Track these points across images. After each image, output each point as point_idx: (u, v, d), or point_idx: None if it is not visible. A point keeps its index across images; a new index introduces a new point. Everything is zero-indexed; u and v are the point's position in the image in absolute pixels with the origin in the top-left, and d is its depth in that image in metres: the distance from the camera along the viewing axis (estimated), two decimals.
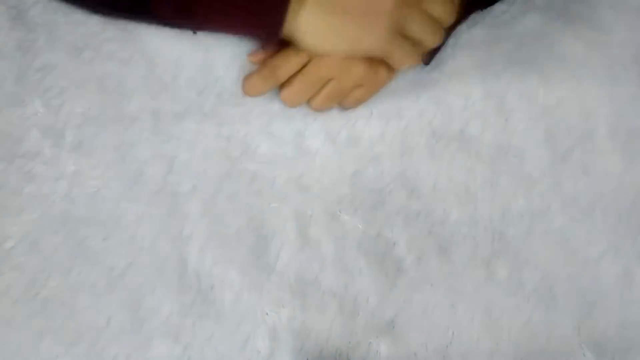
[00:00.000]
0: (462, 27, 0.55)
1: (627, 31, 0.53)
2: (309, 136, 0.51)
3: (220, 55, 0.52)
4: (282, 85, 0.49)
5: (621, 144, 0.51)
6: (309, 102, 0.50)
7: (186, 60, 0.52)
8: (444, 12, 0.48)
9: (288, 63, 0.48)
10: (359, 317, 0.48)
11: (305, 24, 0.45)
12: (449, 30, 0.52)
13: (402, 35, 0.47)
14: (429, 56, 0.52)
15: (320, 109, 0.51)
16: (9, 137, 0.49)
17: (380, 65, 0.49)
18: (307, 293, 0.49)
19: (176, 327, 0.47)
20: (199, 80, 0.51)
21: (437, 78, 0.54)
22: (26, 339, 0.46)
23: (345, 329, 0.48)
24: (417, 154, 0.52)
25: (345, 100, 0.51)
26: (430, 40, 0.48)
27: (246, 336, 0.48)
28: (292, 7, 0.45)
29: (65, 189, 0.48)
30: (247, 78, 0.50)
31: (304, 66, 0.49)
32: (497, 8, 0.57)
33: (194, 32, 0.50)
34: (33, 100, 0.49)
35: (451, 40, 0.54)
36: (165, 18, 0.48)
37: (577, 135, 0.51)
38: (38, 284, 0.47)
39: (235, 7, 0.46)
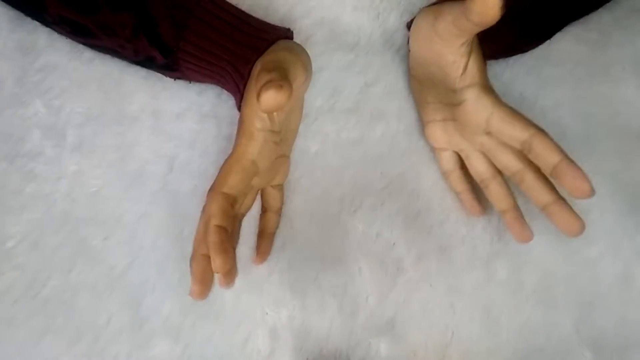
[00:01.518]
0: None
1: (624, 32, 0.54)
2: (308, 137, 0.51)
3: None
4: None
5: (619, 145, 0.52)
6: None
7: None
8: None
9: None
10: (358, 316, 0.49)
11: None
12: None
13: None
14: None
15: None
16: (10, 137, 0.49)
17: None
18: (307, 293, 0.49)
19: (176, 327, 0.47)
20: None
21: None
22: (27, 338, 0.46)
23: (345, 328, 0.48)
24: (417, 155, 0.52)
25: None
26: None
27: (246, 335, 0.48)
28: None
29: (66, 188, 0.48)
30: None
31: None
32: None
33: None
34: (34, 100, 0.49)
35: None
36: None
37: (575, 136, 0.51)
38: (39, 283, 0.47)
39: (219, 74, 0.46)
